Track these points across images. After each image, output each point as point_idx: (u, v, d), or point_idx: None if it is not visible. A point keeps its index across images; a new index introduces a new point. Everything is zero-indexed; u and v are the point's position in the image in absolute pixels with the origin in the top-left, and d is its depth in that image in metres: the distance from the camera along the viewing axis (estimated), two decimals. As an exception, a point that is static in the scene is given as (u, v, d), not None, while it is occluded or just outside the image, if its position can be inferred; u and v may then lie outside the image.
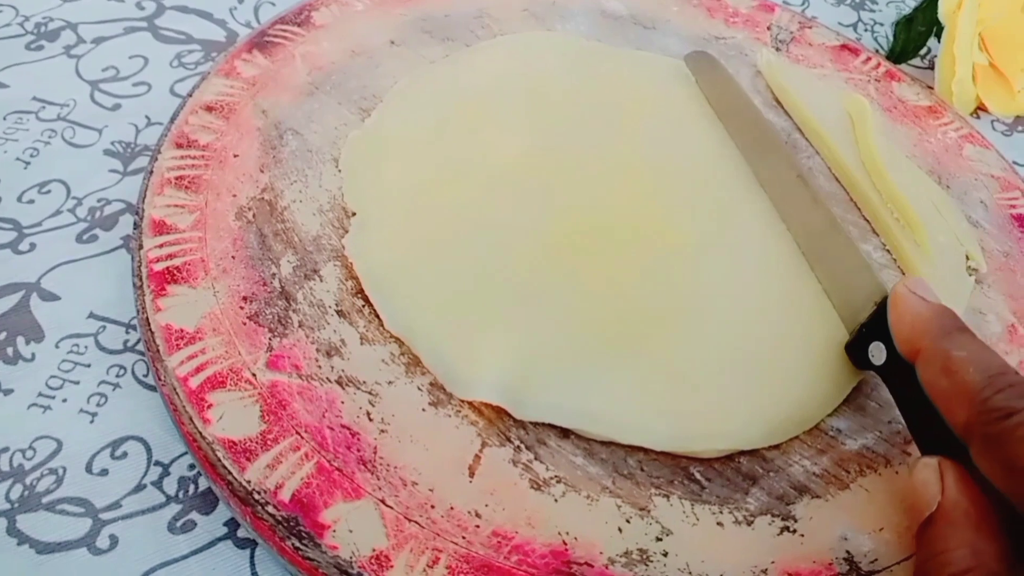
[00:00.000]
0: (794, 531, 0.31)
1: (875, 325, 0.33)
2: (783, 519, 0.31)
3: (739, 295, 0.37)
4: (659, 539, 0.30)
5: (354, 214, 0.38)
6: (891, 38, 0.56)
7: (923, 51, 0.58)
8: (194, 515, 0.30)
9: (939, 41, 0.52)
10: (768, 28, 0.53)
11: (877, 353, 0.33)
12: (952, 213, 0.43)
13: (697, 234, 0.39)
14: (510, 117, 0.43)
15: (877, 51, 0.58)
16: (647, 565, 0.29)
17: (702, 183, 0.42)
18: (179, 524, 0.30)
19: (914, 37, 0.54)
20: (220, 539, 0.30)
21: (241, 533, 0.30)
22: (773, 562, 0.30)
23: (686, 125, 0.45)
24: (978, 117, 0.54)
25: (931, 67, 0.57)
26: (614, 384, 0.33)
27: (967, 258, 0.41)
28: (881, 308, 0.33)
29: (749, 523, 0.31)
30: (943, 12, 0.50)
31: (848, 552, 0.30)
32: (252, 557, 0.30)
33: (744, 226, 0.40)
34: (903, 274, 0.40)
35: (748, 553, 0.30)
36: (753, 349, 0.35)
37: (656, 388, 0.33)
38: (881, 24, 0.60)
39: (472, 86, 0.45)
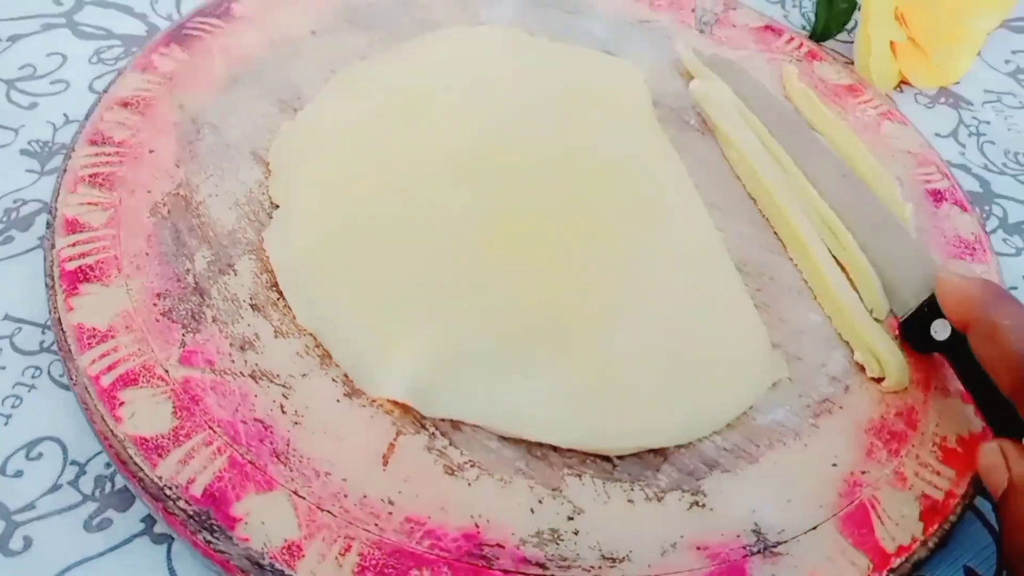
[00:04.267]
0: (704, 505, 0.31)
1: (934, 306, 0.35)
2: (693, 494, 0.32)
3: (658, 296, 0.37)
4: (571, 518, 0.30)
5: (277, 207, 0.38)
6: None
7: (851, 26, 0.58)
8: (111, 512, 0.30)
9: (861, 17, 0.53)
10: (692, 11, 0.54)
11: (941, 330, 0.35)
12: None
13: (621, 235, 0.39)
14: (445, 113, 0.43)
15: (804, 28, 0.58)
16: (558, 544, 0.29)
17: (633, 184, 0.41)
18: (95, 522, 0.30)
19: (836, 15, 0.55)
20: (137, 535, 0.30)
21: (158, 529, 0.30)
22: (683, 536, 0.30)
23: (623, 125, 0.45)
24: (901, 91, 0.55)
25: (856, 44, 0.58)
26: (524, 382, 0.33)
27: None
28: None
29: (660, 499, 0.31)
30: (860, -10, 0.51)
31: (756, 524, 0.31)
32: (169, 552, 0.30)
33: (673, 229, 0.40)
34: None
35: (658, 528, 0.31)
36: (669, 348, 0.35)
37: (567, 387, 0.33)
38: (808, 0, 0.61)
39: (408, 81, 0.44)
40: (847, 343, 0.37)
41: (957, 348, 0.34)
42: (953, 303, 0.34)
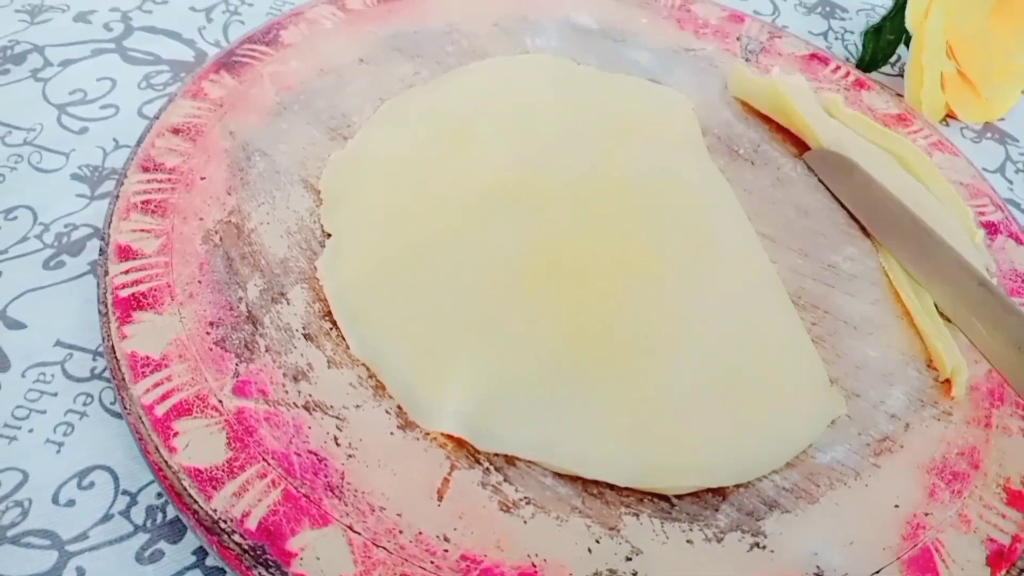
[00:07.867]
0: (764, 547, 0.31)
1: None
2: (753, 535, 0.31)
3: (714, 329, 0.36)
4: (629, 559, 0.30)
5: (329, 236, 0.38)
6: (860, 47, 0.57)
7: (893, 59, 0.58)
8: (162, 544, 0.30)
9: (908, 49, 0.52)
10: (738, 39, 0.53)
11: None
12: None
13: (675, 266, 0.38)
14: (493, 142, 0.43)
15: (847, 60, 0.58)
16: (617, 585, 0.29)
17: (684, 213, 0.41)
18: (147, 554, 0.30)
19: (883, 46, 0.54)
20: (188, 568, 0.30)
21: (210, 562, 0.30)
22: (744, 579, 0.30)
23: (672, 154, 0.44)
24: (947, 125, 0.54)
25: (901, 75, 0.57)
26: (580, 417, 0.32)
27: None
28: None
29: (719, 540, 0.31)
30: (911, 21, 0.50)
31: (818, 567, 0.30)
32: (221, 586, 0.29)
33: (726, 260, 0.39)
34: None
35: (718, 570, 0.30)
36: (726, 384, 0.35)
37: (623, 422, 0.32)
38: (851, 32, 0.61)
39: (457, 109, 0.44)
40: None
41: None
42: None
